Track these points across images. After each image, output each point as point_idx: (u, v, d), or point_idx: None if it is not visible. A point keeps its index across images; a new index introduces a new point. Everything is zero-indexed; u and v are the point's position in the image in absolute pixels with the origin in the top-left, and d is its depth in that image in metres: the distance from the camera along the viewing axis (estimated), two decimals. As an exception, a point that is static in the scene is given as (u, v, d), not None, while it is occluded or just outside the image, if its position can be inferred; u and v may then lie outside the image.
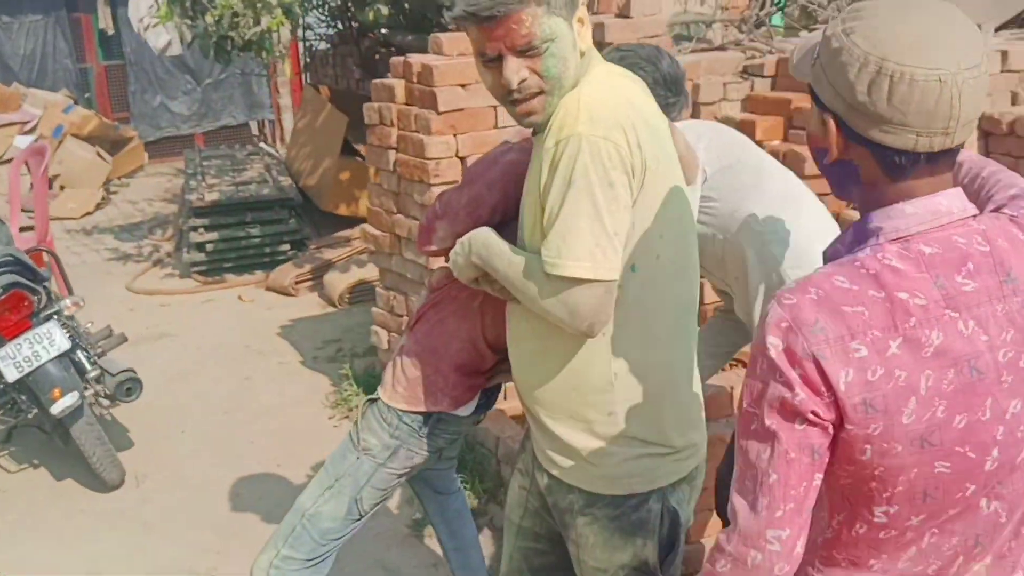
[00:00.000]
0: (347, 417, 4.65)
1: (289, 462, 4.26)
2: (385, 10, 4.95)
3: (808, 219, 2.41)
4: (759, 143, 4.07)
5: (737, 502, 1.27)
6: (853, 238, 1.28)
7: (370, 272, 6.33)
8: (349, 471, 2.22)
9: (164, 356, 5.55)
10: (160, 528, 3.80)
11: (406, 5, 5.51)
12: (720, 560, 1.30)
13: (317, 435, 4.50)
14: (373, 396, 2.26)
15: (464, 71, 3.77)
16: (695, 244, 1.88)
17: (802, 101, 4.12)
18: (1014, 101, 4.13)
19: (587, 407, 1.80)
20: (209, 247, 6.87)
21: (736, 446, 1.29)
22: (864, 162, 1.25)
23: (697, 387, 1.94)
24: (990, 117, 4.02)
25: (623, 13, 4.26)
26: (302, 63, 9.36)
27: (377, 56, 7.45)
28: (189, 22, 5.79)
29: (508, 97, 1.73)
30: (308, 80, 9.07)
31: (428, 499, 2.70)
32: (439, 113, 3.74)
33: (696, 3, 4.71)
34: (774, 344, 1.20)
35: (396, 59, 4.08)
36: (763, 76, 4.35)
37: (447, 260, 2.00)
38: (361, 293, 6.26)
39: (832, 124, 1.25)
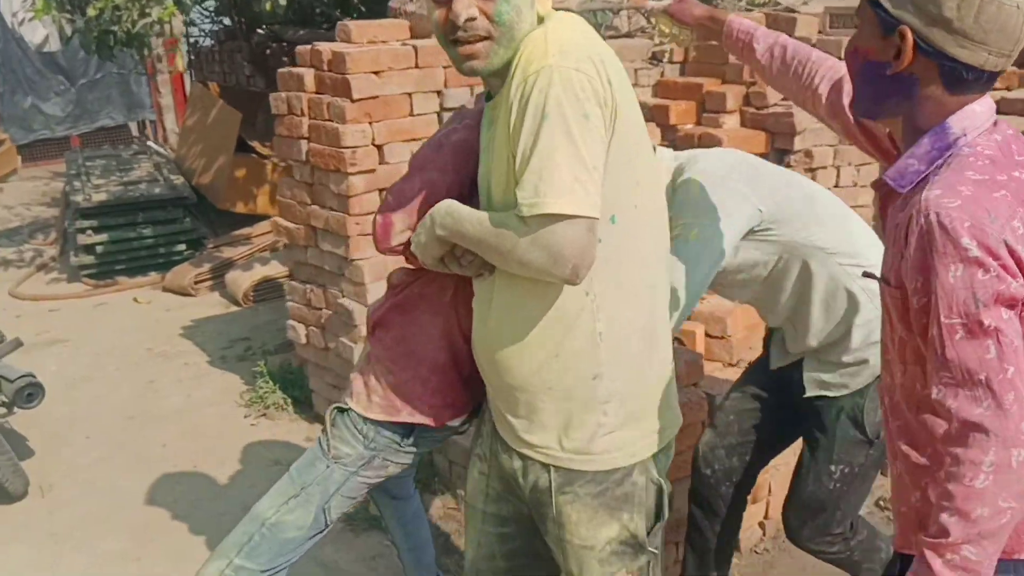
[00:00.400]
0: (264, 415, 4.55)
1: (206, 461, 4.14)
2: (283, 1, 4.84)
3: (858, 231, 2.39)
4: (673, 127, 4.18)
5: (972, 413, 1.26)
6: (932, 147, 1.35)
7: (274, 269, 6.20)
8: (318, 480, 2.11)
9: (58, 362, 5.31)
10: (72, 538, 3.63)
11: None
12: (978, 476, 1.26)
13: (233, 434, 4.39)
14: (341, 406, 2.15)
15: (377, 58, 3.73)
16: (664, 198, 1.85)
17: (713, 85, 4.23)
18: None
19: (568, 373, 1.74)
20: (99, 249, 6.59)
21: (937, 364, 1.30)
22: (927, 75, 1.34)
23: (671, 351, 1.91)
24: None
25: (532, 0, 4.28)
26: (184, 61, 9.07)
27: (268, 51, 7.29)
28: (68, 16, 5.54)
29: (452, 35, 1.67)
30: (193, 77, 8.80)
31: (384, 504, 2.63)
32: (353, 101, 3.68)
33: (601, -9, 4.77)
34: (969, 244, 1.25)
35: (303, 48, 4.01)
36: (672, 62, 4.45)
37: (408, 258, 1.94)
38: (265, 290, 6.13)
39: (909, 35, 1.32)
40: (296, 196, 4.06)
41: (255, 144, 7.27)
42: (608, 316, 1.72)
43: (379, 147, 3.78)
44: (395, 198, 1.92)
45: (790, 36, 4.27)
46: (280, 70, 4.04)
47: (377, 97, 3.73)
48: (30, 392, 3.76)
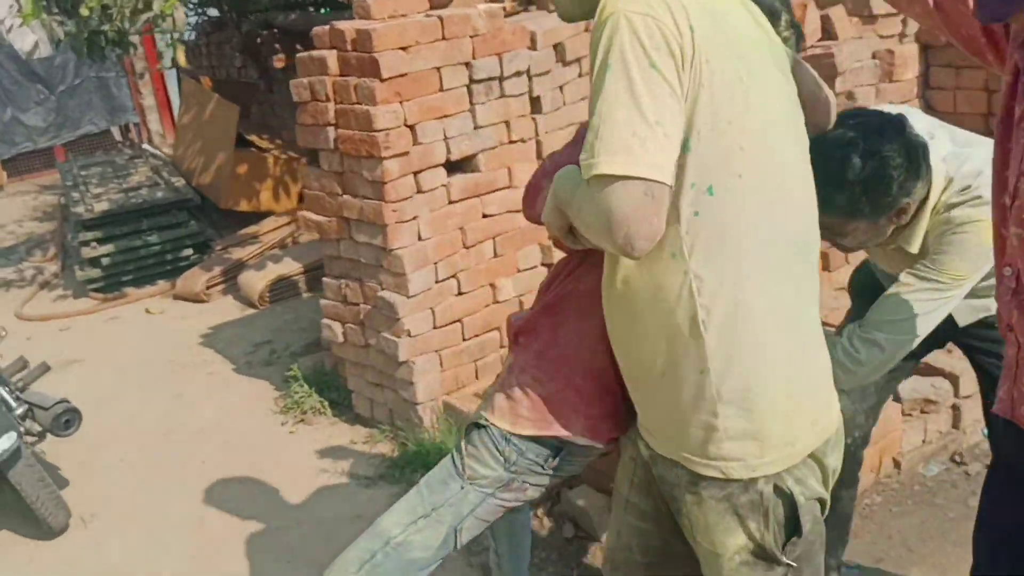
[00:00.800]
0: (302, 421, 4.34)
1: (250, 475, 3.93)
2: (285, -17, 4.59)
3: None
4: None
5: None
6: None
7: (288, 267, 5.98)
8: (451, 501, 1.91)
9: (79, 383, 5.07)
10: (127, 571, 3.43)
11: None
12: None
13: (273, 443, 4.18)
14: (480, 421, 1.94)
15: (404, 32, 3.50)
16: (801, 166, 1.61)
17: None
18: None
19: (675, 365, 1.56)
20: (105, 261, 6.34)
21: None
22: None
23: (819, 358, 1.66)
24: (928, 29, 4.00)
25: None
26: (164, 57, 8.78)
27: (259, 40, 7.04)
28: (59, 19, 5.27)
29: None
30: (180, 74, 8.52)
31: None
32: (383, 80, 3.45)
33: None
34: None
35: (321, 28, 3.76)
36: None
37: (554, 241, 1.73)
38: (281, 290, 5.91)
39: None
40: (325, 187, 3.83)
41: (253, 138, 7.02)
42: (713, 302, 1.50)
43: (411, 127, 3.56)
44: (552, 164, 1.74)
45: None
46: (300, 54, 3.79)
47: (406, 74, 3.50)
48: (67, 419, 3.54)
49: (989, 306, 2.27)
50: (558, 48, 3.85)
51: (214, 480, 3.93)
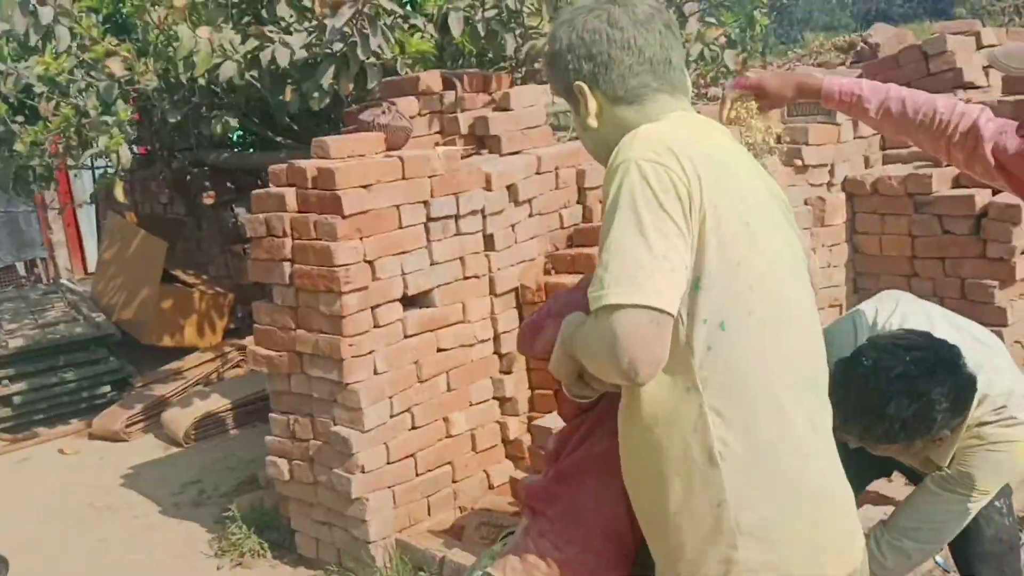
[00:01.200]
0: (240, 564, 4.17)
1: (189, 625, 3.74)
2: (234, 122, 4.67)
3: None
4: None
5: None
6: None
7: (215, 403, 5.83)
8: None
9: (-8, 529, 4.78)
10: None
11: (254, 119, 5.24)
12: None
13: (211, 590, 4.00)
14: None
15: (367, 171, 3.59)
16: (807, 304, 1.65)
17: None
18: (867, 164, 4.46)
19: (696, 495, 1.56)
20: (16, 399, 6.08)
21: None
22: None
23: (842, 487, 1.65)
24: (853, 180, 4.31)
25: (502, 106, 4.25)
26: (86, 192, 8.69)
27: (188, 176, 7.05)
28: (-10, 153, 5.22)
29: None
30: (98, 210, 8.42)
31: None
32: (345, 217, 3.51)
33: (560, 94, 4.79)
34: None
35: (278, 167, 3.82)
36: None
37: (558, 400, 1.78)
38: (208, 427, 5.75)
39: None
40: (277, 321, 3.82)
41: (179, 273, 6.94)
42: (728, 434, 1.53)
43: (370, 263, 3.61)
44: (556, 305, 1.76)
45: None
46: (256, 191, 3.83)
47: (368, 211, 3.57)
48: (-3, 568, 3.33)
49: None
50: (511, 189, 4.00)
51: (149, 630, 3.72)
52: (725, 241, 1.50)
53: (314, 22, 4.17)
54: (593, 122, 1.63)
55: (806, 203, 4.16)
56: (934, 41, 5.24)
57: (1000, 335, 3.96)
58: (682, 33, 5.10)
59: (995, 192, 4.00)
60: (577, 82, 1.63)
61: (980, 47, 5.29)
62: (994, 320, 3.99)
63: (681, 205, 1.46)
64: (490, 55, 4.78)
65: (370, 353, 3.64)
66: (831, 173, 4.29)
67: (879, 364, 1.97)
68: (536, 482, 1.91)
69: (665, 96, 1.62)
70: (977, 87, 4.92)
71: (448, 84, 4.36)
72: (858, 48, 5.83)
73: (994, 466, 2.07)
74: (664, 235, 1.43)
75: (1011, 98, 4.22)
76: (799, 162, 4.20)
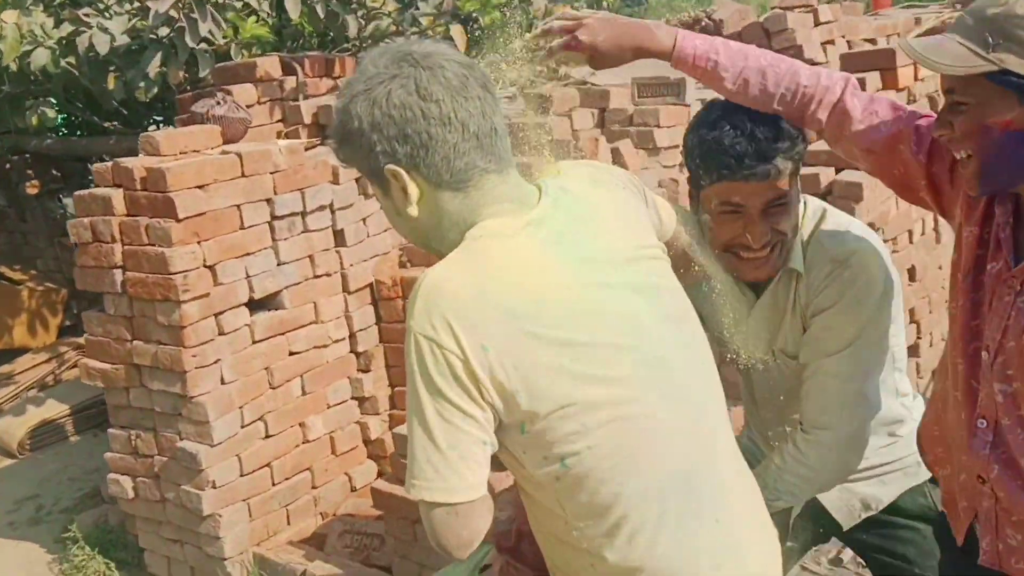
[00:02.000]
0: (85, 587, 3.91)
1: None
2: (51, 112, 4.29)
3: None
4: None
5: None
6: None
7: (51, 410, 5.45)
8: None
9: None
10: None
11: (78, 104, 4.84)
12: None
13: (53, 619, 3.74)
14: None
15: (201, 170, 3.35)
16: (680, 390, 1.46)
17: (541, 164, 4.16)
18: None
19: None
20: None
21: None
22: None
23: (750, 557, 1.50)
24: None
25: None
26: None
27: (8, 165, 6.53)
28: None
29: None
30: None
31: None
32: (179, 220, 3.27)
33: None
34: None
35: (102, 166, 3.54)
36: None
37: None
38: (44, 435, 5.36)
39: None
40: (111, 332, 3.55)
41: (3, 269, 6.43)
42: (596, 545, 1.43)
43: (211, 267, 3.38)
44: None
45: (605, 109, 4.38)
46: (77, 192, 3.54)
47: (205, 213, 3.34)
48: None
49: (879, 496, 2.04)
50: (360, 181, 3.83)
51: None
52: (539, 392, 1.35)
53: (136, 5, 3.85)
54: (413, 211, 1.39)
55: (660, 184, 4.15)
56: (775, 18, 5.31)
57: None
58: (530, 9, 5.01)
59: (838, 170, 4.08)
60: (390, 166, 1.37)
61: (817, 23, 5.41)
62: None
63: (462, 388, 1.31)
64: (332, 37, 4.56)
65: (216, 363, 3.43)
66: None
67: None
68: (504, 526, 1.81)
69: (492, 177, 1.39)
70: (817, 63, 5.02)
71: (288, 69, 4.14)
72: (702, 23, 5.86)
73: (852, 290, 1.80)
74: (448, 422, 1.32)
75: (856, 75, 4.30)
76: (651, 144, 4.18)
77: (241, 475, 3.56)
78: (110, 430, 3.77)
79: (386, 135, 1.35)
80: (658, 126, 4.24)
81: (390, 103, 1.34)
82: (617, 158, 4.10)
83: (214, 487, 3.47)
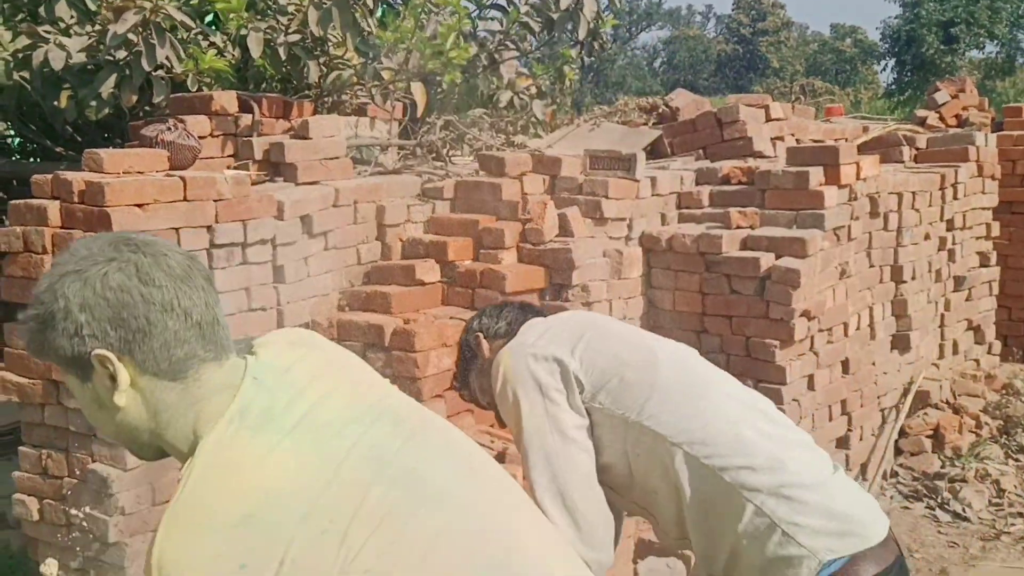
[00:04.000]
0: (-24, 619, 3.72)
1: None
2: (1, 125, 4.26)
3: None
4: (452, 263, 4.08)
5: None
6: None
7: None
8: None
9: None
10: None
11: (32, 127, 4.81)
12: None
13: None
14: None
15: (142, 189, 3.32)
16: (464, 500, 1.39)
17: (488, 222, 4.21)
18: (664, 221, 4.57)
19: None
20: None
21: None
22: None
23: None
24: (650, 235, 4.41)
25: (300, 134, 4.08)
26: None
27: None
28: None
29: None
30: None
31: None
32: (114, 236, 3.23)
33: (365, 128, 4.67)
34: None
35: (41, 177, 3.50)
36: (443, 199, 4.39)
37: None
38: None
39: None
40: (32, 346, 3.45)
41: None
42: None
43: (143, 288, 3.33)
44: None
45: (556, 176, 4.46)
46: (14, 201, 3.49)
47: (142, 233, 3.30)
48: None
49: None
50: (305, 220, 3.82)
51: None
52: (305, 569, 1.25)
53: (97, 28, 3.87)
54: (121, 399, 1.29)
55: (604, 255, 4.20)
56: (728, 109, 5.49)
57: (779, 393, 4.13)
58: (493, 81, 5.12)
59: (779, 256, 4.17)
60: (99, 351, 1.26)
61: (768, 119, 5.60)
62: (775, 378, 4.14)
63: None
64: (294, 82, 4.61)
65: (134, 386, 3.35)
66: (629, 227, 4.37)
67: None
68: None
69: (212, 367, 1.32)
70: (765, 156, 5.18)
71: (245, 106, 4.16)
72: (659, 110, 6.04)
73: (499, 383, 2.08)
74: None
75: (794, 169, 4.44)
76: (598, 214, 4.25)
77: (153, 504, 3.43)
78: (21, 448, 3.64)
79: (96, 317, 1.26)
80: (607, 197, 4.31)
81: (106, 285, 1.26)
82: (564, 224, 4.16)
83: (123, 513, 3.35)
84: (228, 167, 4.03)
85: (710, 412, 1.97)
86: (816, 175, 4.36)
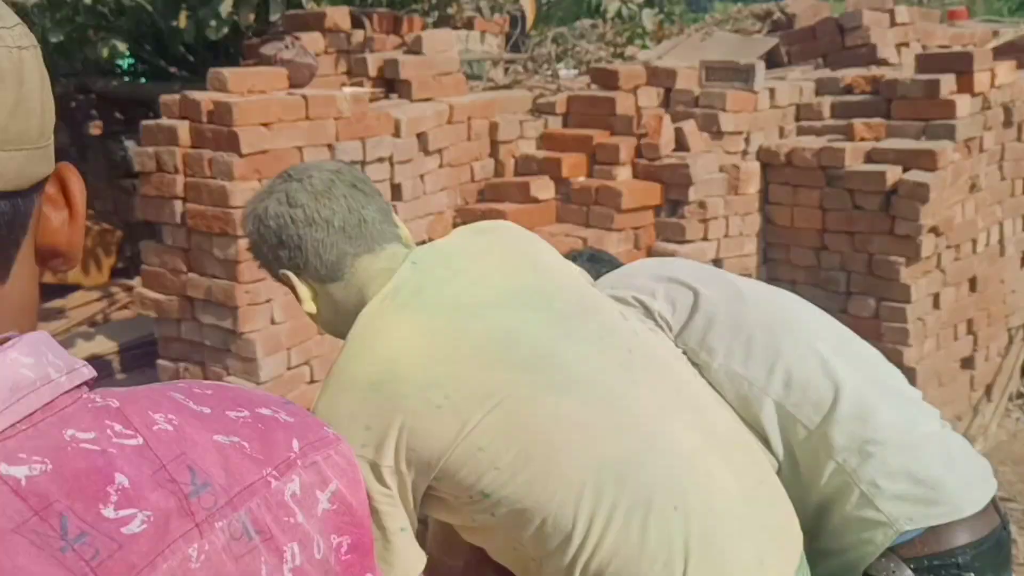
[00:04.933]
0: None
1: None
2: (123, 46, 4.34)
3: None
4: (565, 180, 4.05)
5: None
6: None
7: (101, 345, 5.52)
8: None
9: None
10: None
11: (147, 47, 4.90)
12: None
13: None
14: None
15: (267, 108, 3.37)
16: (590, 376, 1.42)
17: (603, 137, 4.15)
18: (782, 134, 4.44)
19: None
20: None
21: None
22: None
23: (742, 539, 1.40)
24: (767, 149, 4.28)
25: (413, 49, 4.06)
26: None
27: (73, 104, 6.63)
28: None
29: None
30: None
31: None
32: (242, 156, 3.30)
33: (475, 41, 4.62)
34: None
35: (169, 97, 3.57)
36: (555, 114, 4.33)
37: None
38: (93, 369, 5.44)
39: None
40: (167, 263, 3.58)
41: (61, 206, 6.53)
42: (558, 564, 1.38)
43: (269, 207, 3.40)
44: None
45: (671, 88, 4.34)
46: (145, 122, 3.57)
47: (267, 151, 3.36)
48: None
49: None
50: (421, 137, 3.83)
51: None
52: (431, 443, 1.35)
53: (218, -54, 3.89)
54: (310, 307, 1.53)
55: (721, 170, 4.11)
56: (850, 15, 5.24)
57: (903, 312, 4.01)
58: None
59: (906, 169, 4.02)
60: (282, 271, 1.51)
61: (893, 24, 5.32)
62: (899, 296, 4.02)
63: (385, 486, 1.35)
64: (404, -3, 4.57)
65: (267, 302, 3.45)
66: (746, 141, 4.25)
67: None
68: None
69: (366, 259, 1.49)
70: (890, 64, 4.94)
71: (356, 22, 4.15)
72: (775, 17, 5.80)
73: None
74: (392, 512, 1.37)
75: (924, 77, 4.24)
76: (715, 128, 4.14)
77: (282, 416, 3.57)
78: (159, 361, 3.81)
79: (270, 244, 1.50)
80: (724, 110, 4.19)
81: (267, 215, 1.50)
82: (680, 138, 4.07)
83: (254, 425, 3.49)
84: (343, 85, 4.04)
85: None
86: (948, 83, 4.15)
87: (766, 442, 1.71)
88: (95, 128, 6.66)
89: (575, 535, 1.34)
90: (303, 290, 1.50)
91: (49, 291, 6.25)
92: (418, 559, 1.39)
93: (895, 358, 4.10)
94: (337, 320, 1.51)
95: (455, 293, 1.43)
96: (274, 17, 4.02)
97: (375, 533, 1.22)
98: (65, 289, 6.26)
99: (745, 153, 4.26)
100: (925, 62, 4.41)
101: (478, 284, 1.45)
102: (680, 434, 1.41)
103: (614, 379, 1.42)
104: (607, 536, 1.34)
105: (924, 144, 4.06)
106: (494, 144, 4.16)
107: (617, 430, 1.38)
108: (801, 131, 4.49)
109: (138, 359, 5.55)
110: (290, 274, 1.50)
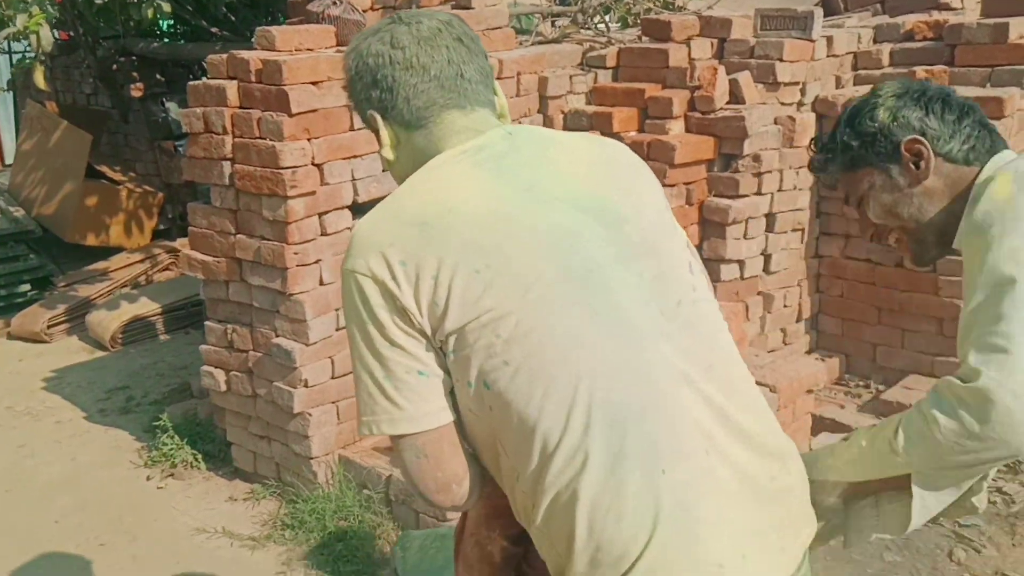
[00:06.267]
0: (171, 475, 3.98)
1: (115, 537, 3.57)
2: (167, 6, 4.29)
3: None
4: (617, 135, 3.96)
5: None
6: None
7: (144, 306, 5.56)
8: None
9: (-98, 433, 4.50)
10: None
11: (188, 7, 4.85)
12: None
13: (139, 501, 3.82)
14: None
15: (316, 67, 3.31)
16: (613, 286, 1.35)
17: (655, 91, 4.04)
18: (838, 84, 4.31)
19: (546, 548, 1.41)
20: (-72, 295, 5.72)
21: None
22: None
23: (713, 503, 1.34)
24: (824, 99, 4.16)
25: (463, 4, 3.97)
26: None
27: (115, 66, 6.61)
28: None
29: None
30: (17, 96, 7.90)
31: None
32: (292, 115, 3.25)
33: (522, -6, 4.52)
34: None
35: (217, 57, 3.52)
36: (605, 67, 4.23)
37: None
38: (136, 331, 5.49)
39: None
40: (215, 224, 3.56)
41: (104, 169, 6.55)
42: (533, 489, 1.36)
43: (318, 166, 3.36)
44: None
45: (725, 39, 4.21)
46: (192, 83, 3.53)
47: (316, 111, 3.31)
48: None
49: None
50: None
51: (72, 542, 3.53)
52: (455, 302, 1.32)
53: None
54: (389, 154, 1.49)
55: (776, 122, 3.99)
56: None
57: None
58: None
59: None
60: (370, 111, 1.47)
61: (954, -33, 5.13)
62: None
63: (386, 314, 1.33)
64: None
65: (316, 262, 3.42)
66: (802, 92, 4.12)
67: None
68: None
69: (454, 113, 1.45)
70: (952, 8, 4.77)
71: (404, -24, 4.06)
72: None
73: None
74: (377, 353, 1.35)
75: (991, 21, 4.07)
76: (771, 79, 4.01)
77: (332, 377, 3.56)
78: (207, 323, 3.81)
79: (364, 83, 1.46)
80: (780, 60, 4.06)
81: (368, 53, 1.46)
82: (735, 90, 3.96)
83: (306, 386, 3.48)
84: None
85: None
86: (1017, 26, 3.99)
87: None
88: (136, 90, 6.65)
89: (556, 458, 1.31)
90: (386, 135, 1.47)
91: (92, 254, 6.31)
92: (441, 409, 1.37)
93: (952, 312, 4.01)
94: (413, 171, 1.46)
95: (536, 176, 1.40)
96: (318, -28, 3.93)
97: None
98: (108, 252, 6.30)
99: (801, 104, 4.14)
100: (991, 5, 4.25)
101: (562, 178, 1.41)
102: (691, 403, 1.34)
103: (648, 323, 1.36)
104: (585, 474, 1.30)
105: (990, 91, 3.91)
106: (543, 99, 4.07)
107: (629, 375, 1.32)
108: (859, 80, 4.36)
109: (181, 320, 5.59)
110: (377, 116, 1.46)
